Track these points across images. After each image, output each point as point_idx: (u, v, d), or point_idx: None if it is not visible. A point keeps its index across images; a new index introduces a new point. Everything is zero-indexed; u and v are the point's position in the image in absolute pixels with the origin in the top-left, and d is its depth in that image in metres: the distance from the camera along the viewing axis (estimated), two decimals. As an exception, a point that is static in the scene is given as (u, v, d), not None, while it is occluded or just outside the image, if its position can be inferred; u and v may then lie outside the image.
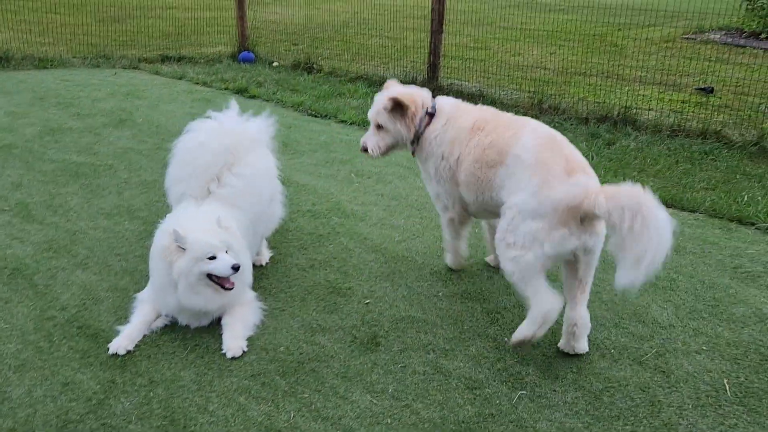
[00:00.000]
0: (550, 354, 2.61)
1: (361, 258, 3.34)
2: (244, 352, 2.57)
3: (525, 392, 2.40)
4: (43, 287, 2.97)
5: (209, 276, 2.59)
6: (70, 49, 8.93)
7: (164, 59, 8.75)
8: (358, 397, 2.35)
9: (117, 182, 4.18)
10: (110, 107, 5.93)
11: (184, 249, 2.53)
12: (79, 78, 7.17)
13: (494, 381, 2.46)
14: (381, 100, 3.04)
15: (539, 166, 2.48)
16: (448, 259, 3.23)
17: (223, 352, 2.57)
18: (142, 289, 2.93)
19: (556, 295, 2.44)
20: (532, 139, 2.59)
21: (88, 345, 2.59)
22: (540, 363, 2.56)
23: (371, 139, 3.11)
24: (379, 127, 3.07)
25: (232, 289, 2.63)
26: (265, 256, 3.27)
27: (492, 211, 2.78)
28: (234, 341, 2.60)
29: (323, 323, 2.79)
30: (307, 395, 2.36)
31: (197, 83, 7.29)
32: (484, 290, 3.06)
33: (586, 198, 2.33)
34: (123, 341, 2.57)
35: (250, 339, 2.65)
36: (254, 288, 2.99)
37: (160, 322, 2.73)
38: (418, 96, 3.03)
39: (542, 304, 2.43)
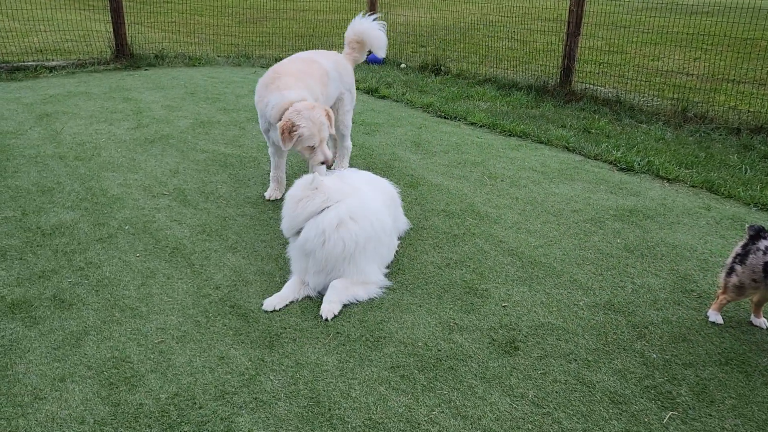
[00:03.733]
0: (704, 376, 2.45)
1: (497, 260, 3.30)
2: (334, 315, 2.80)
3: (676, 413, 2.26)
4: (199, 267, 3.20)
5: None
6: (215, 49, 9.58)
7: (298, 59, 9.13)
8: (497, 399, 2.33)
9: (261, 174, 4.42)
10: (252, 104, 6.26)
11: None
12: (224, 75, 7.67)
13: (642, 398, 2.34)
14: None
15: None
16: None
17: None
18: (287, 274, 3.10)
19: None
20: None
21: (240, 323, 2.75)
22: (693, 384, 2.40)
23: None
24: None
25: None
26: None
27: None
28: (327, 304, 2.84)
29: (460, 322, 2.78)
30: (445, 392, 2.36)
31: (330, 82, 7.54)
32: (630, 303, 2.92)
33: None
34: (275, 300, 2.89)
35: (388, 331, 2.70)
36: (393, 281, 3.05)
37: (304, 292, 2.97)
38: None
39: None
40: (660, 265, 3.25)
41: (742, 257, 2.63)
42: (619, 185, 4.34)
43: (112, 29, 7.78)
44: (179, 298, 2.93)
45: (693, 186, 4.36)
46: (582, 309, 2.89)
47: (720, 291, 2.75)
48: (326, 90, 4.03)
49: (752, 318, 2.78)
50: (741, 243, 2.68)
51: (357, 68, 8.49)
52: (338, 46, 10.55)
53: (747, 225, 2.71)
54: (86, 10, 11.70)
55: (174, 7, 13.49)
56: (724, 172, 4.61)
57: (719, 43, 8.37)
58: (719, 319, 2.76)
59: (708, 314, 2.79)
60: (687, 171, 4.59)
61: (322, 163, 3.64)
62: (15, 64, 7.43)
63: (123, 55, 7.89)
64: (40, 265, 3.14)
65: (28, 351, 2.53)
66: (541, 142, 5.31)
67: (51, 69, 7.48)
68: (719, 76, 7.08)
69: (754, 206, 4.03)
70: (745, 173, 4.57)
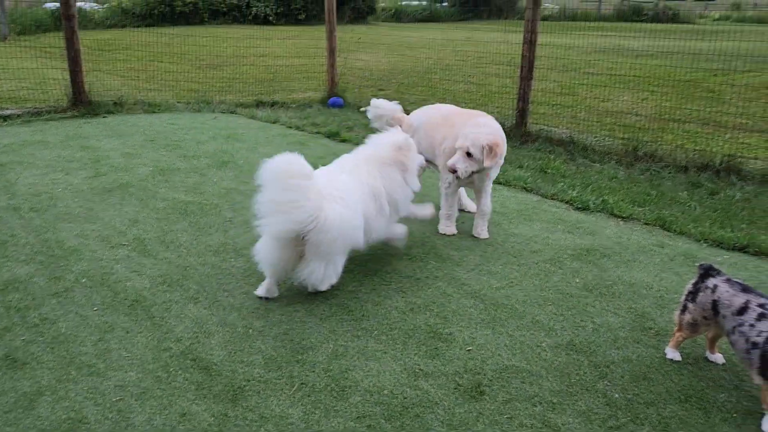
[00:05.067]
0: (665, 414, 2.49)
1: (460, 303, 3.33)
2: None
3: (641, 453, 2.29)
4: (159, 319, 3.14)
5: None
6: (175, 95, 9.57)
7: (259, 104, 9.20)
8: (465, 447, 2.32)
9: (222, 221, 4.40)
10: (213, 149, 6.28)
11: None
12: (184, 122, 7.65)
13: (606, 439, 2.36)
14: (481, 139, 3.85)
15: None
16: None
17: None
18: (249, 324, 3.06)
19: None
20: None
21: (202, 377, 2.69)
22: (655, 423, 2.44)
23: (462, 163, 3.88)
24: (469, 155, 3.86)
25: None
26: None
27: None
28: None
29: (425, 368, 2.78)
30: (413, 441, 2.35)
31: (290, 127, 7.61)
32: (591, 342, 2.98)
33: None
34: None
35: (354, 379, 2.68)
36: (356, 329, 3.05)
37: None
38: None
39: None
40: (618, 304, 3.34)
41: (693, 295, 2.72)
42: (575, 224, 4.46)
43: (69, 77, 7.71)
44: (139, 353, 2.86)
45: (646, 224, 4.51)
46: (545, 350, 2.93)
47: (676, 328, 2.83)
48: None
49: (707, 354, 2.86)
50: (692, 281, 2.77)
51: (318, 112, 8.61)
52: (298, 90, 10.65)
53: (698, 263, 2.81)
54: (42, 57, 11.59)
55: (133, 54, 13.51)
56: (675, 209, 4.78)
57: (664, 84, 8.79)
58: (677, 356, 2.83)
59: (666, 351, 2.86)
60: (640, 209, 4.75)
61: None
62: (-33, 113, 7.27)
63: (81, 103, 7.80)
64: (-8, 323, 3.03)
65: (-23, 416, 2.42)
66: (500, 183, 5.43)
67: (5, 118, 7.34)
68: (666, 116, 7.40)
69: (704, 242, 4.18)
70: (695, 210, 4.76)
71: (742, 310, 2.49)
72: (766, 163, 5.64)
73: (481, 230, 4.24)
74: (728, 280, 2.65)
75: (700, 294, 2.68)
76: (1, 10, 18.04)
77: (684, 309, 2.75)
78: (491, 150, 3.82)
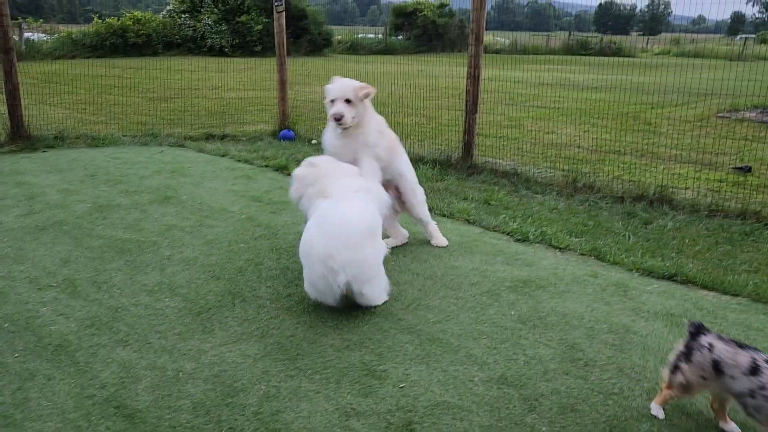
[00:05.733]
0: (590, 446, 2.53)
1: (396, 339, 3.33)
2: None
3: (565, 488, 2.31)
4: (84, 364, 3.04)
5: None
6: (121, 128, 9.43)
7: (208, 137, 9.14)
8: (392, 488, 2.30)
9: (160, 259, 4.31)
10: (156, 184, 6.19)
11: None
12: (128, 156, 7.53)
13: (533, 474, 2.38)
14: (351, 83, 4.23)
15: None
16: None
17: None
18: (180, 367, 2.99)
19: None
20: None
21: (125, 425, 2.61)
22: (580, 456, 2.47)
23: (345, 110, 4.13)
24: (348, 101, 4.14)
25: None
26: None
27: None
28: None
29: (358, 407, 2.76)
30: (340, 484, 2.31)
31: (239, 160, 7.57)
32: (522, 375, 3.01)
33: None
34: None
35: (284, 422, 2.64)
36: (290, 368, 3.01)
37: None
38: None
39: None
40: (550, 335, 3.39)
41: (686, 355, 2.61)
42: (514, 256, 4.54)
43: (7, 111, 7.52)
44: (60, 401, 2.75)
45: (582, 254, 4.62)
46: (477, 385, 2.94)
47: (665, 386, 2.73)
48: None
49: (720, 424, 2.69)
50: (682, 341, 2.68)
51: (268, 145, 8.60)
52: (249, 123, 10.63)
53: (687, 321, 2.71)
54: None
55: (81, 85, 13.28)
56: (609, 239, 4.93)
57: (605, 117, 9.12)
58: (661, 414, 2.72)
59: (651, 406, 2.75)
60: (577, 239, 4.87)
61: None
62: None
63: (19, 137, 7.61)
64: None
65: None
66: (444, 216, 5.50)
67: (-63, 153, 7.09)
68: (605, 148, 7.67)
69: (636, 272, 4.31)
70: (629, 240, 4.91)
71: (754, 370, 2.38)
72: (695, 193, 5.88)
73: (436, 238, 4.72)
74: (720, 337, 2.56)
75: (696, 354, 2.56)
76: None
77: (675, 369, 2.64)
78: (362, 89, 4.19)
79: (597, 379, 2.98)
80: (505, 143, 8.28)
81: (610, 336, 3.38)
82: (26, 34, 23.58)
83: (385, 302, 3.70)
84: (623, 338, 3.35)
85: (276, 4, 8.86)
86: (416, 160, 7.42)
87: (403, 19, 38.05)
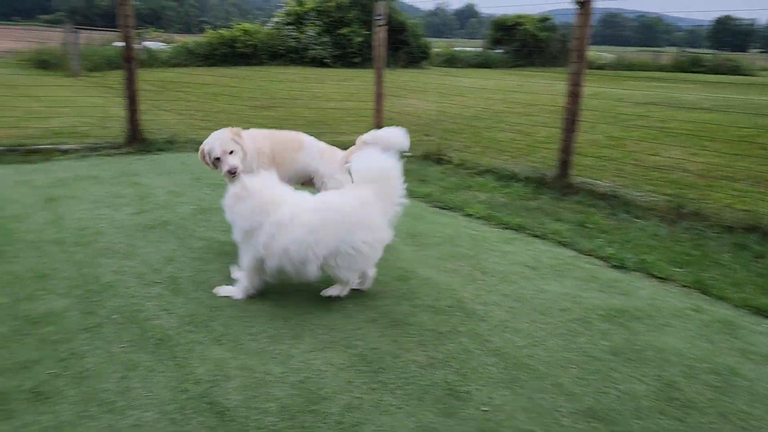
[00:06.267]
0: (685, 495, 2.36)
1: (481, 361, 3.28)
2: None
3: None
4: (182, 359, 3.21)
5: None
6: (226, 134, 9.92)
7: (306, 145, 9.42)
8: None
9: (255, 262, 4.48)
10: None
11: None
12: (231, 161, 7.90)
13: None
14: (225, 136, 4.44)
15: None
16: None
17: None
18: (269, 370, 3.09)
19: None
20: None
21: (215, 422, 2.73)
22: (674, 504, 2.32)
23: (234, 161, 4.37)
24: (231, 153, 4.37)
25: None
26: None
27: None
28: None
29: (439, 427, 2.74)
30: (417, 504, 2.30)
31: (333, 170, 7.73)
32: (612, 410, 2.87)
33: None
34: None
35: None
36: (373, 381, 3.03)
37: None
38: None
39: None
40: (645, 370, 3.21)
41: None
42: (609, 283, 4.35)
43: (126, 115, 8.13)
44: (158, 393, 2.92)
45: (684, 286, 4.35)
46: (564, 416, 2.84)
47: None
48: None
49: None
50: None
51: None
52: (346, 133, 10.89)
53: None
54: (108, 95, 12.27)
55: (192, 92, 14.15)
56: (716, 271, 4.61)
57: (716, 139, 8.58)
58: None
59: None
60: (679, 270, 4.60)
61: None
62: (31, 147, 7.73)
63: (136, 140, 8.20)
64: (24, 355, 3.16)
65: (-1, 446, 2.52)
66: (536, 236, 5.36)
67: (64, 152, 7.77)
68: (715, 173, 7.20)
69: (745, 309, 4.00)
70: (738, 273, 4.57)
71: None
72: (819, 226, 5.39)
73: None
74: None
75: None
76: (75, 48, 19.27)
77: None
78: (236, 134, 4.39)
79: (695, 422, 2.80)
80: (605, 164, 7.97)
81: (713, 377, 3.15)
82: (147, 43, 25.41)
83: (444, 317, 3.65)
84: (727, 381, 3.12)
85: (376, 18, 9.03)
86: (509, 177, 7.31)
87: (503, 32, 37.70)
